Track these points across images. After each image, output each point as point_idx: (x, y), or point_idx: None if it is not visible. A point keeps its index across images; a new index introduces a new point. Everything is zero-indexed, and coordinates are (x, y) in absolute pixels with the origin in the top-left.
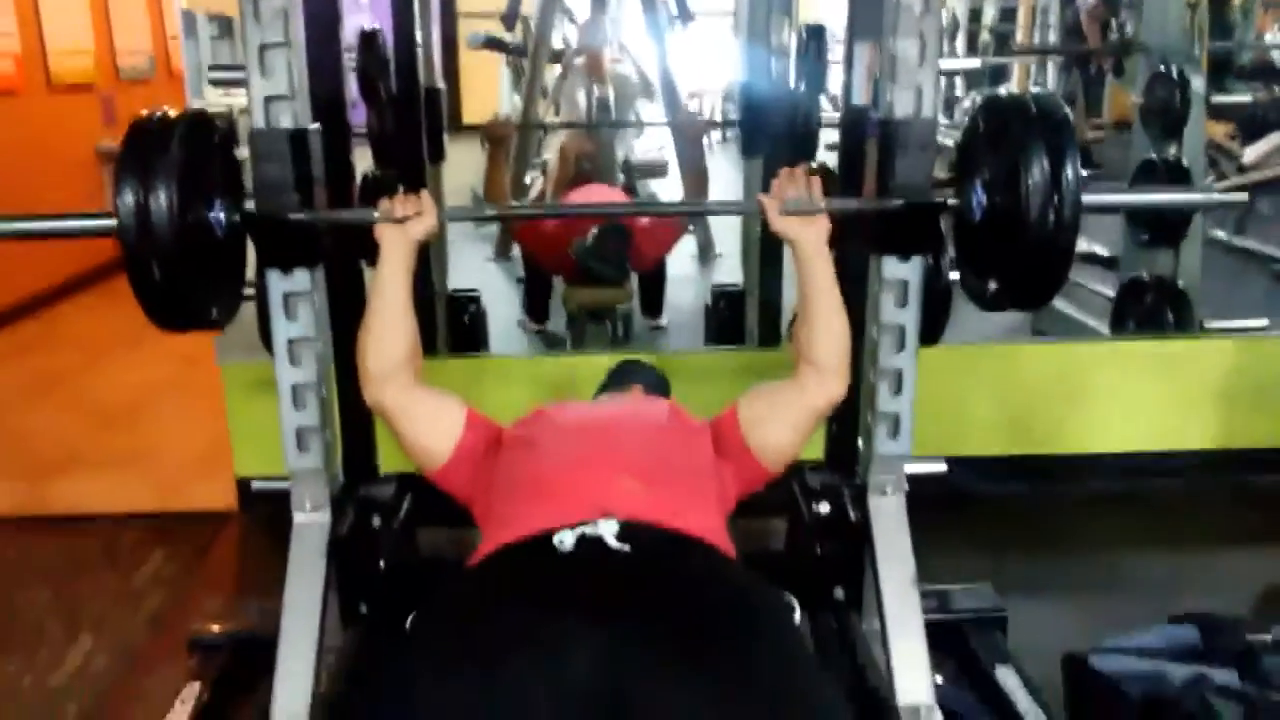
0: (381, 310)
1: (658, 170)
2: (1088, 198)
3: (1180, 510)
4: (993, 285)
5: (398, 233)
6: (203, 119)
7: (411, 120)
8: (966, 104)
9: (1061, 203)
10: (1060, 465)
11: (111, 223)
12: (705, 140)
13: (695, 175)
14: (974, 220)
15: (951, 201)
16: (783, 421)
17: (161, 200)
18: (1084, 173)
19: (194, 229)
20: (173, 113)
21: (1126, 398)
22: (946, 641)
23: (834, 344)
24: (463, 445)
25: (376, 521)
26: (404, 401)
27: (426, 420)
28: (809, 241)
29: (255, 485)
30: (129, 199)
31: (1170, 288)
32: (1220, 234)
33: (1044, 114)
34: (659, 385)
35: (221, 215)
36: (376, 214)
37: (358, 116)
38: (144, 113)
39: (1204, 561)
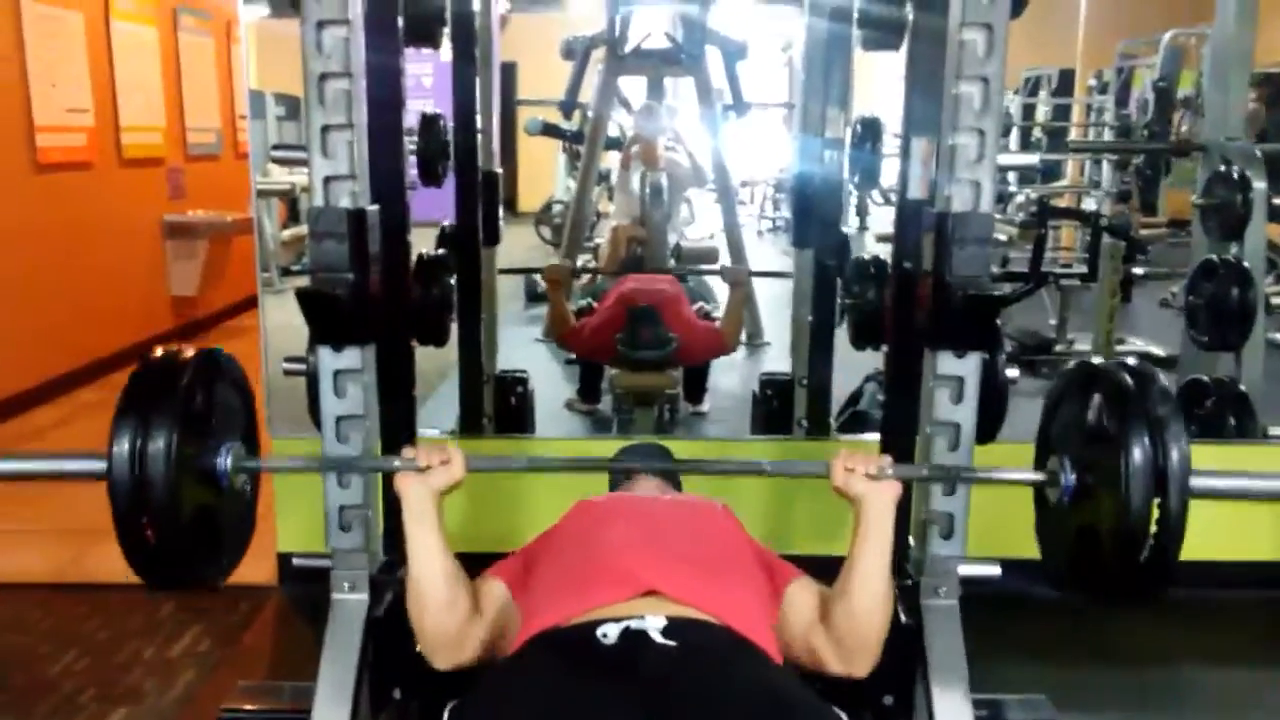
0: (421, 578)
1: (708, 257)
2: (1198, 482)
3: (1241, 623)
4: (1083, 575)
5: (420, 484)
6: (213, 359)
7: (468, 203)
8: (1020, 199)
9: (1166, 491)
10: None
11: (101, 465)
12: (750, 216)
13: (735, 322)
14: (1063, 502)
15: (1037, 477)
16: (803, 649)
17: (159, 448)
18: (1138, 271)
19: (195, 482)
20: (187, 352)
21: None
22: None
23: (871, 633)
24: (516, 602)
25: None
26: (484, 656)
27: (501, 639)
28: (877, 503)
29: (296, 561)
30: (123, 445)
31: (1232, 391)
32: None
33: (1144, 388)
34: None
35: (228, 462)
36: (398, 462)
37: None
38: (156, 351)
39: (1268, 678)
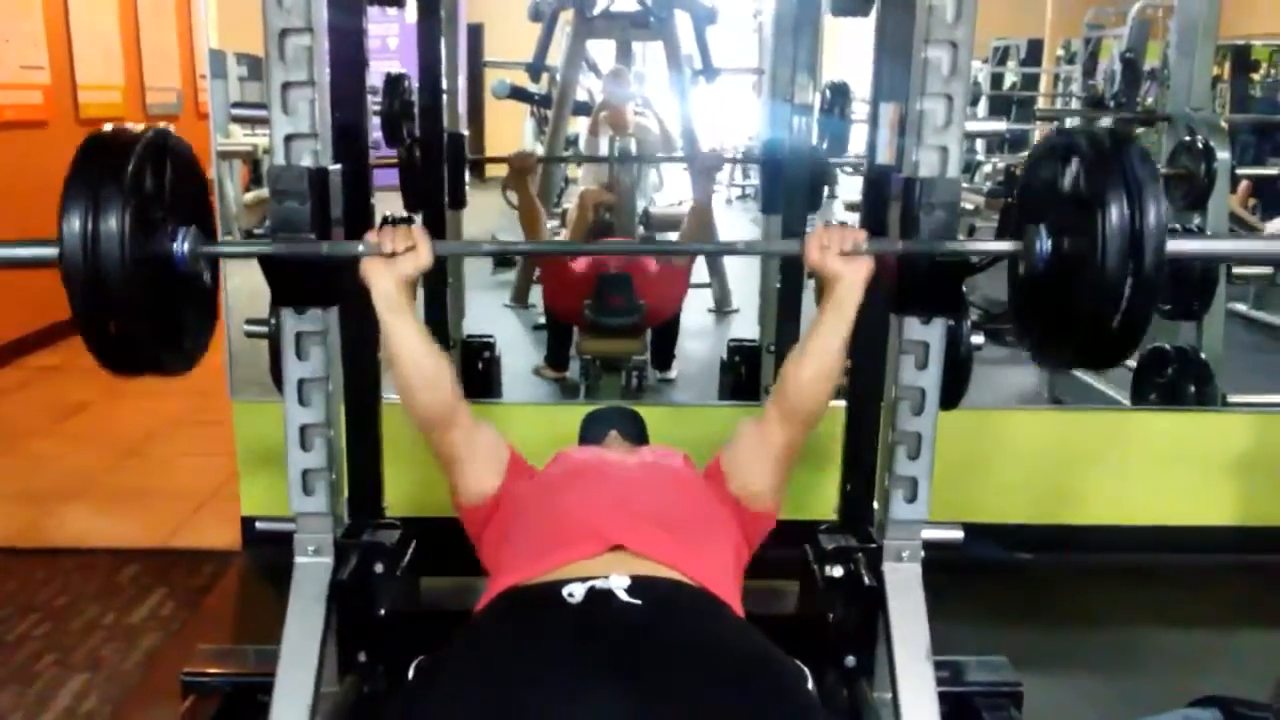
0: (399, 358)
1: (677, 223)
2: (1174, 244)
3: (1200, 587)
4: (1056, 343)
5: (386, 269)
6: (164, 139)
7: (433, 164)
8: (987, 168)
9: (1141, 250)
10: (1077, 536)
11: (53, 251)
12: (720, 184)
13: (700, 210)
14: (1037, 269)
15: (1011, 247)
16: (758, 470)
17: (111, 228)
18: None
19: (149, 261)
20: (134, 129)
21: (1146, 470)
22: (959, 715)
23: (815, 395)
24: (502, 490)
25: (379, 568)
26: (465, 451)
27: (480, 466)
28: (848, 280)
29: (259, 525)
30: (74, 225)
31: (1192, 359)
32: (1241, 307)
33: (1121, 149)
34: (635, 428)
35: (185, 246)
36: (362, 247)
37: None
38: (104, 128)
39: (1224, 641)
